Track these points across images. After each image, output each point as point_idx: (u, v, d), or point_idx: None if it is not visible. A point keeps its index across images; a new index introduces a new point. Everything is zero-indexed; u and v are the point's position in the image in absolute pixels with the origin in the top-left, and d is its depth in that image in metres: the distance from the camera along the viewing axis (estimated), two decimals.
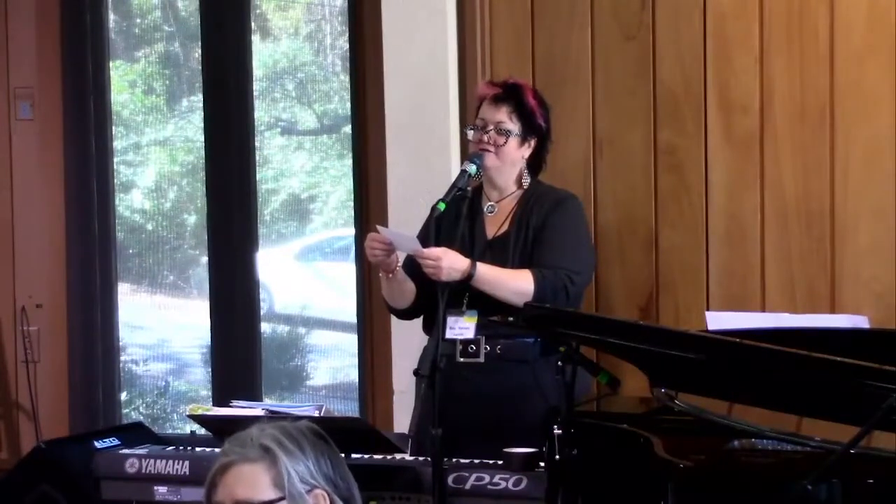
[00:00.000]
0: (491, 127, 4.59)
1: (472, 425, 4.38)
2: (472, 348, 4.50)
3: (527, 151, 4.63)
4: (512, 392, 4.46)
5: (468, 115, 5.07)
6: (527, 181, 4.65)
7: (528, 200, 4.61)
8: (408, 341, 5.03)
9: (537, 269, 4.46)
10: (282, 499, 2.85)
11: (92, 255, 6.39)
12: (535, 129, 4.62)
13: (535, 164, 4.67)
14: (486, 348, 4.50)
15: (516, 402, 4.44)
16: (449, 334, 4.42)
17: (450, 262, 4.36)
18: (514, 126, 4.59)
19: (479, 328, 4.47)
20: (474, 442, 4.32)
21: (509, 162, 4.61)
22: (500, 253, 4.56)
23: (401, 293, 4.63)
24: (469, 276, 4.39)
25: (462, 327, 4.48)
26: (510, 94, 4.61)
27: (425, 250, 4.38)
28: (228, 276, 6.19)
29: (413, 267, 4.52)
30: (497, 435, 4.32)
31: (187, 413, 4.63)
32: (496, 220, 4.64)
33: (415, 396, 4.43)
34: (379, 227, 4.50)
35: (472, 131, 4.64)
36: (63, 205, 6.37)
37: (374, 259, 4.52)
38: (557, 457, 3.68)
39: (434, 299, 4.35)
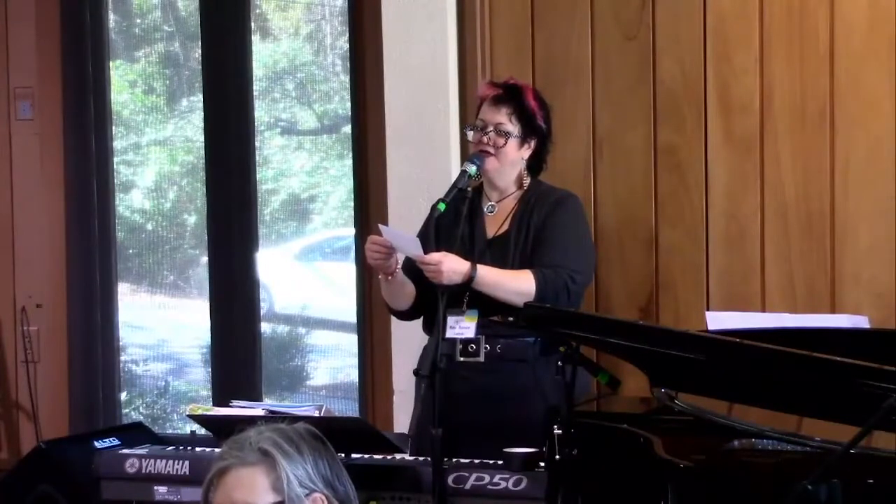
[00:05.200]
0: (491, 128, 4.58)
1: (472, 425, 4.38)
2: (472, 348, 4.50)
3: (527, 152, 4.63)
4: (512, 392, 4.45)
5: (468, 115, 5.06)
6: (527, 181, 4.65)
7: (528, 200, 4.61)
8: (408, 341, 5.03)
9: (538, 268, 4.45)
10: (281, 502, 2.85)
11: (92, 255, 6.39)
12: (536, 130, 4.61)
13: (535, 164, 4.67)
14: (486, 348, 4.50)
15: (516, 401, 4.43)
16: (449, 334, 4.41)
17: (450, 266, 4.35)
18: (513, 128, 4.58)
19: (480, 328, 4.47)
20: (474, 442, 4.32)
21: (509, 163, 4.61)
22: (500, 253, 4.55)
23: (400, 295, 4.63)
24: (470, 279, 4.38)
25: (462, 327, 4.47)
26: (510, 96, 4.60)
27: (426, 256, 4.38)
28: (228, 276, 6.19)
29: (412, 268, 4.52)
30: (497, 435, 4.32)
31: (187, 413, 4.63)
32: (496, 219, 4.64)
33: (415, 396, 4.43)
34: (381, 227, 4.49)
35: (471, 132, 4.64)
36: (63, 205, 6.37)
37: (373, 262, 4.50)
38: (557, 457, 3.68)
39: (434, 299, 4.35)
